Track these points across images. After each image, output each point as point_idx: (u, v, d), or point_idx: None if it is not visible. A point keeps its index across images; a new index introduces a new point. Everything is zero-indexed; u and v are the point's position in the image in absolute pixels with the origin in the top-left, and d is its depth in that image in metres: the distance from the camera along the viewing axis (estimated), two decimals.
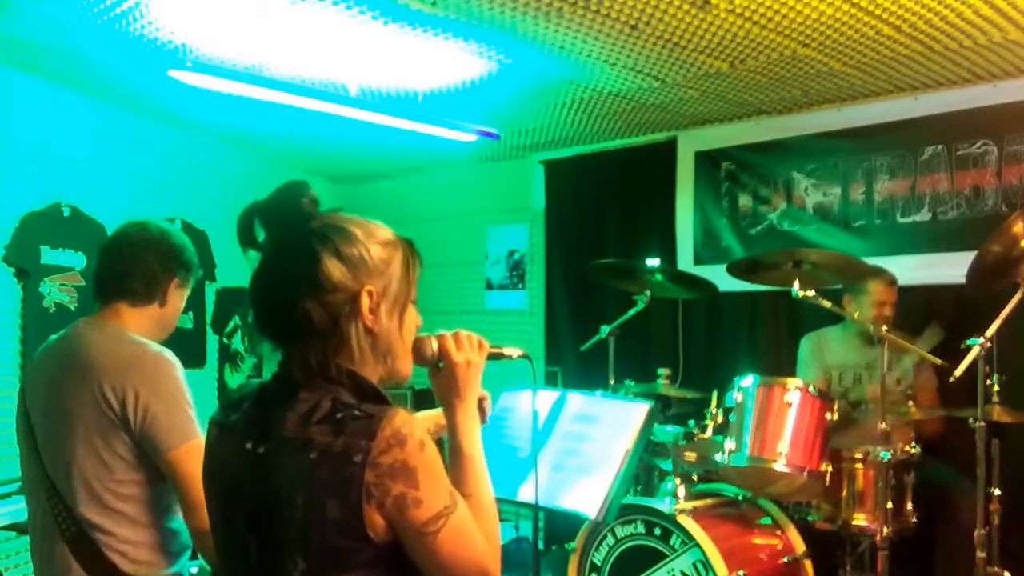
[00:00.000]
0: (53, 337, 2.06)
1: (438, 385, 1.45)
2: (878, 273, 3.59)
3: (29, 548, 2.11)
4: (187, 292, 2.16)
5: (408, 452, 1.21)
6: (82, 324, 2.03)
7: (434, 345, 1.43)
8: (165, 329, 2.12)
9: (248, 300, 1.34)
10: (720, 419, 3.32)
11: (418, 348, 1.42)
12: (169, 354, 1.97)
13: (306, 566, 1.21)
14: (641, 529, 3.13)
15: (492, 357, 1.51)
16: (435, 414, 1.68)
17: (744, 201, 4.49)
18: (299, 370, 1.28)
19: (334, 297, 1.28)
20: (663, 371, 3.67)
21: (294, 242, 1.29)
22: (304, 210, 1.32)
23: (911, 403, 3.22)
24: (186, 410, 1.92)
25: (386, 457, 1.20)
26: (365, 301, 1.29)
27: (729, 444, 3.14)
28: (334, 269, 1.27)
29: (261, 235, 1.33)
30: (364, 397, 1.28)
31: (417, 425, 1.25)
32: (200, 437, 1.90)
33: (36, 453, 1.98)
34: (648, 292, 3.81)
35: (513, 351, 1.60)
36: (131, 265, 2.03)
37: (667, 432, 3.41)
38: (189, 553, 2.06)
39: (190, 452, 1.87)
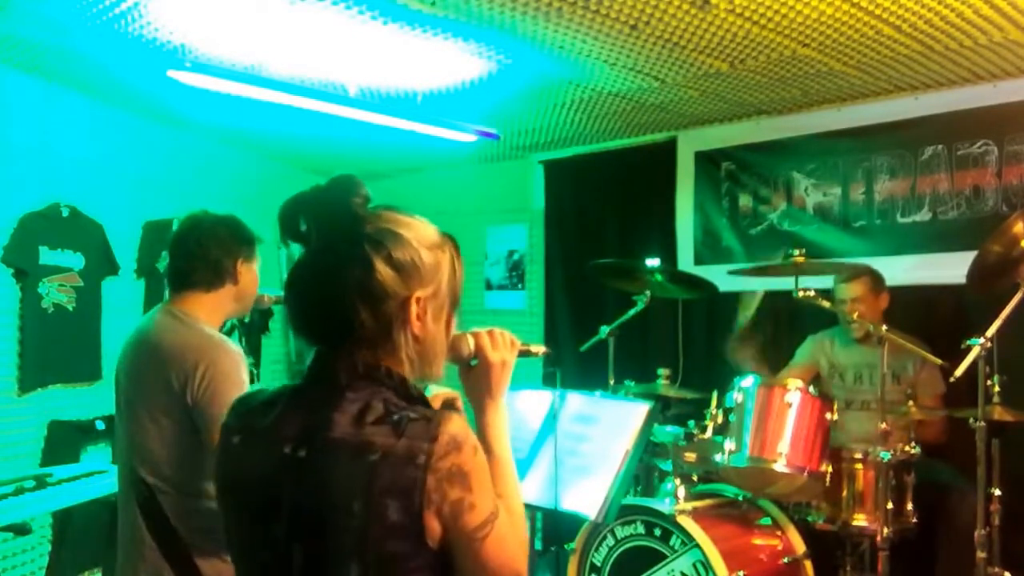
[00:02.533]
0: (138, 324, 2.26)
1: (470, 384, 1.43)
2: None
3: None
4: (257, 262, 2.31)
5: (464, 457, 1.20)
6: (160, 312, 2.23)
7: (471, 343, 1.42)
8: (244, 300, 2.31)
9: (288, 296, 1.30)
10: (720, 419, 3.32)
11: (454, 346, 1.40)
12: (233, 345, 2.16)
13: (360, 572, 1.18)
14: (641, 530, 3.12)
15: (520, 355, 1.50)
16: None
17: (744, 201, 4.48)
18: (345, 372, 1.25)
19: (387, 305, 1.25)
20: (663, 371, 3.66)
21: (346, 246, 1.25)
22: (356, 211, 1.28)
23: (911, 403, 3.22)
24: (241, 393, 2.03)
25: (445, 462, 1.18)
26: (413, 308, 1.27)
27: (729, 444, 3.14)
28: (388, 277, 1.24)
29: (303, 228, 1.29)
30: (410, 400, 1.26)
31: (470, 430, 1.24)
32: None
33: (124, 427, 2.20)
34: (648, 292, 3.81)
35: (539, 348, 1.62)
36: (196, 260, 2.20)
37: (667, 432, 3.41)
38: None
39: None
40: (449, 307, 1.34)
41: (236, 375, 2.08)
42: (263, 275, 2.35)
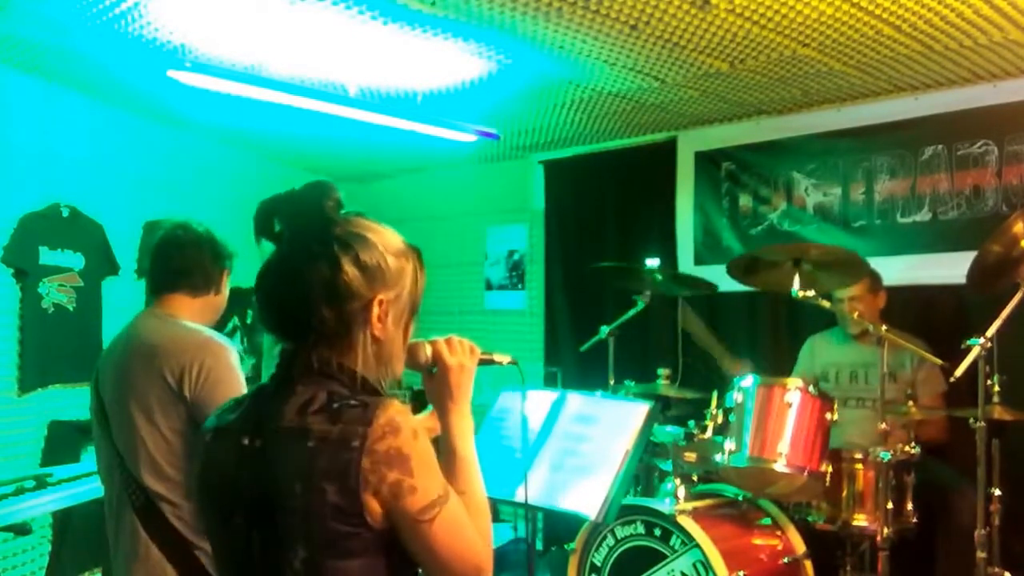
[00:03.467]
0: (121, 330, 2.27)
1: (431, 389, 1.48)
2: None
3: (105, 523, 2.25)
4: (230, 279, 2.37)
5: (402, 440, 1.24)
6: (143, 316, 2.26)
7: (428, 350, 1.47)
8: (217, 312, 2.35)
9: (257, 292, 1.35)
10: (720, 419, 3.32)
11: (412, 353, 1.45)
12: (227, 340, 2.18)
13: (307, 554, 1.23)
14: (641, 530, 3.12)
15: (483, 362, 1.54)
16: (425, 417, 1.73)
17: (744, 201, 4.48)
18: (299, 368, 1.31)
19: (350, 305, 1.30)
20: (663, 371, 3.66)
21: (315, 246, 1.31)
22: (328, 214, 1.34)
23: (911, 403, 3.21)
24: (241, 386, 2.08)
25: (381, 444, 1.23)
26: (375, 310, 1.32)
27: (729, 444, 3.13)
28: (353, 278, 1.30)
29: (277, 227, 1.34)
30: (360, 391, 1.31)
31: (409, 415, 1.28)
32: None
33: (108, 433, 2.16)
34: (648, 292, 3.81)
35: (503, 357, 1.63)
36: (190, 262, 2.24)
37: (667, 432, 3.41)
38: None
39: None
40: (409, 313, 1.40)
41: (235, 367, 2.10)
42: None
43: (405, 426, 1.25)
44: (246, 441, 1.30)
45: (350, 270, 1.30)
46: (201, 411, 2.02)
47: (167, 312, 2.21)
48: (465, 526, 1.30)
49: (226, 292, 2.35)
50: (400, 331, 1.38)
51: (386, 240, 1.36)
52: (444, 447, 1.43)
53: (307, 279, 1.29)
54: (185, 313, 2.22)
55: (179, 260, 2.24)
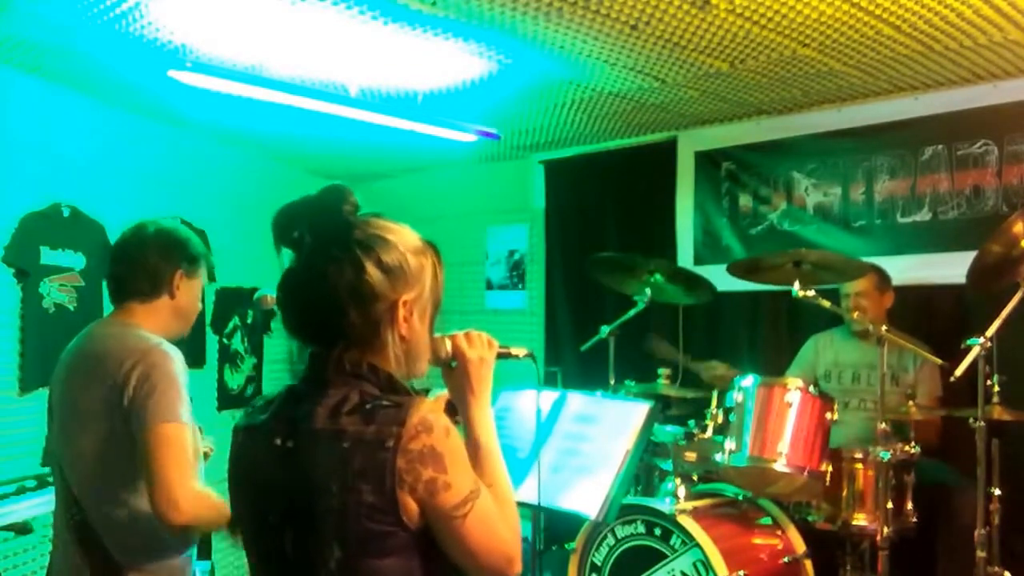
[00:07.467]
0: (75, 338, 2.14)
1: (452, 383, 1.51)
2: None
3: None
4: (200, 280, 2.23)
5: (435, 438, 1.26)
6: (96, 324, 2.16)
7: (447, 345, 1.49)
8: (184, 317, 2.19)
9: (281, 299, 1.37)
10: (720, 419, 3.33)
11: (433, 348, 1.48)
12: (172, 348, 2.05)
13: (342, 553, 1.26)
14: (641, 529, 3.13)
15: (500, 356, 1.56)
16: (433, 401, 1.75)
17: (744, 201, 4.49)
18: (332, 370, 1.33)
19: (376, 306, 1.33)
20: (663, 371, 3.67)
21: (338, 250, 1.33)
22: (347, 218, 1.36)
23: (911, 403, 3.22)
24: (180, 396, 1.96)
25: (415, 443, 1.25)
26: (401, 311, 1.35)
27: (729, 444, 3.14)
28: (377, 280, 1.32)
29: (296, 234, 1.35)
30: (390, 391, 1.33)
31: (441, 413, 1.31)
32: (187, 426, 1.95)
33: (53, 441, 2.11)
34: (648, 291, 3.81)
35: (520, 350, 1.67)
36: (133, 267, 2.12)
37: (667, 432, 3.42)
38: (195, 550, 2.08)
39: (172, 434, 1.90)
40: (432, 310, 1.42)
41: (177, 377, 1.98)
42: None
43: (438, 424, 1.27)
44: (278, 441, 1.32)
45: (373, 272, 1.32)
46: (137, 420, 1.92)
47: (122, 320, 2.09)
48: (496, 519, 1.33)
49: (189, 294, 2.17)
50: (426, 328, 1.41)
51: (405, 239, 1.38)
52: (468, 440, 1.45)
53: (332, 284, 1.31)
54: (143, 321, 2.09)
55: (121, 267, 2.13)
